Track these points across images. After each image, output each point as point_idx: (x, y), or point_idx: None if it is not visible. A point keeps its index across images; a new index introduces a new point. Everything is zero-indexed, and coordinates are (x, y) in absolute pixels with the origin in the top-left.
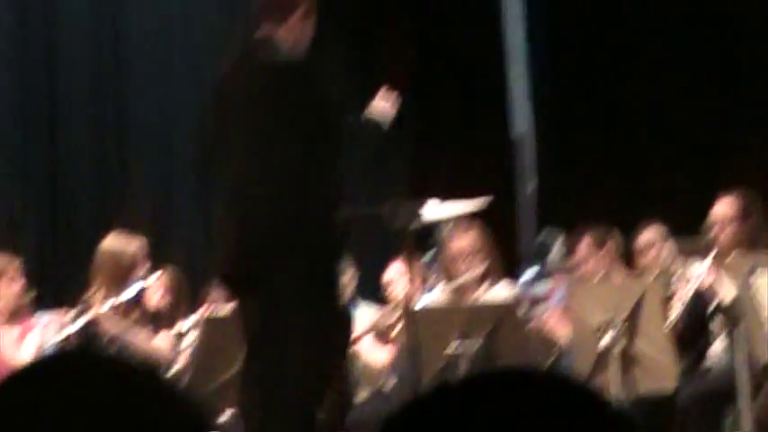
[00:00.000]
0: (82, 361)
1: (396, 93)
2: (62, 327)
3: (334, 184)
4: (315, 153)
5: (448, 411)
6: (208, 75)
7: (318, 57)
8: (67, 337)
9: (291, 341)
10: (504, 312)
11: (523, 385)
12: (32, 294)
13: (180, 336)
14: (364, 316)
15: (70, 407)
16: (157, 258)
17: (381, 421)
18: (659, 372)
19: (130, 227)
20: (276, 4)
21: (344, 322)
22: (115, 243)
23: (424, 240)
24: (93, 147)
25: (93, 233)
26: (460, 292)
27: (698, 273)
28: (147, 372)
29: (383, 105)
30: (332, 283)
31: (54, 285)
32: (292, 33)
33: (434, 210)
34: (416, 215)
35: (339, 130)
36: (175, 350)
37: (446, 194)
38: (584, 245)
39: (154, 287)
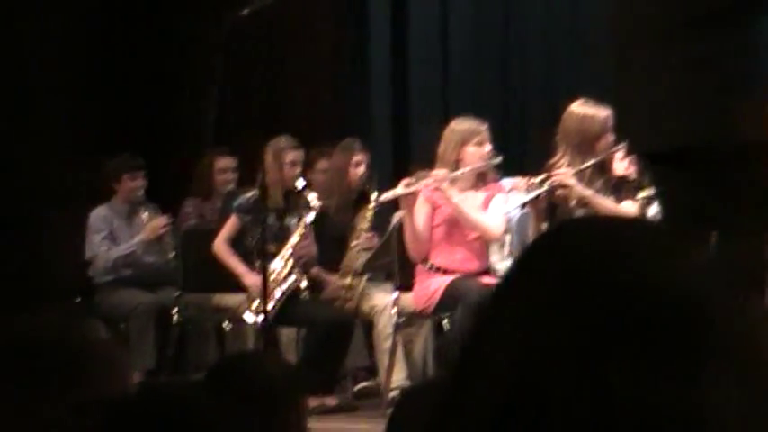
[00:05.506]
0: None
1: None
2: (528, 190)
3: None
4: None
5: None
6: None
7: None
8: (534, 201)
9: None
10: None
11: None
12: (497, 159)
13: (646, 204)
14: None
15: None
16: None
17: None
18: None
19: (595, 97)
20: None
21: None
22: (584, 110)
23: None
24: (544, 17)
25: (547, 101)
26: None
27: None
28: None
29: None
30: None
31: (517, 151)
32: None
33: None
34: None
35: None
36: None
37: None
38: None
39: (618, 157)
